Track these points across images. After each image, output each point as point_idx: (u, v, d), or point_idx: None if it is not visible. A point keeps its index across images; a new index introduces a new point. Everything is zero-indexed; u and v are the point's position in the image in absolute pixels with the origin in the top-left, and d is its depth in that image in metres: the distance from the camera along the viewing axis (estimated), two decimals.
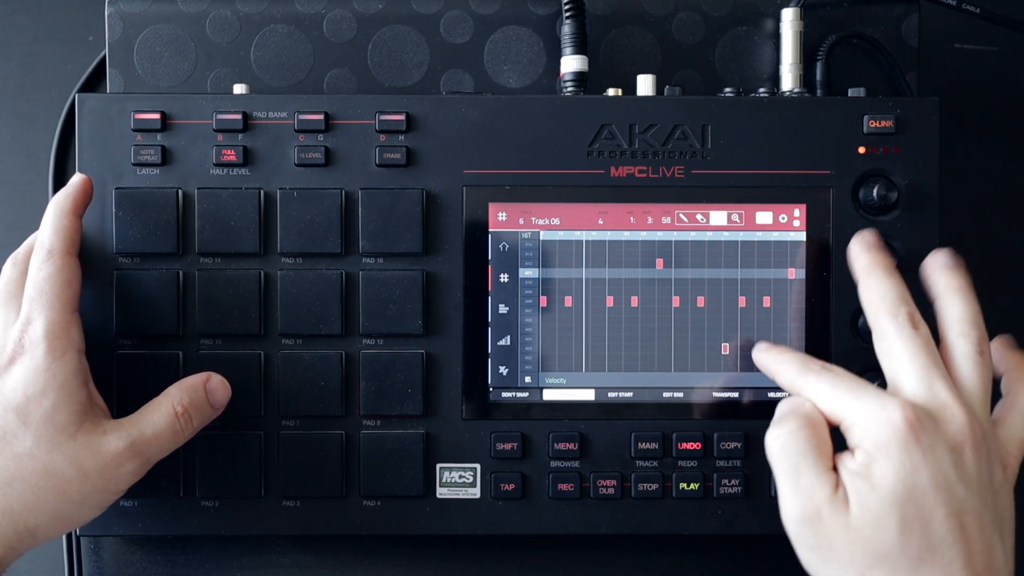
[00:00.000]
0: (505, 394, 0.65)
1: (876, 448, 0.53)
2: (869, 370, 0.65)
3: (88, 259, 0.63)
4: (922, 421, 0.53)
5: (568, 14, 0.67)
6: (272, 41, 0.70)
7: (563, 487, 0.65)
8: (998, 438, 0.56)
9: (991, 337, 0.60)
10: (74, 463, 0.56)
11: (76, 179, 0.61)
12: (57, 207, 0.59)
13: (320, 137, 0.64)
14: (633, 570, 0.70)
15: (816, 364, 0.58)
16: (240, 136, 0.64)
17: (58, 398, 0.55)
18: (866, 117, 0.64)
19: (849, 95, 0.66)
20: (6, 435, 0.55)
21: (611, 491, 0.65)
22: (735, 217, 0.65)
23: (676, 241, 0.65)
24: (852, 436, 0.55)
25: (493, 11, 0.70)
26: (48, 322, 0.56)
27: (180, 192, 0.64)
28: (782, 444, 0.55)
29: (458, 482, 0.65)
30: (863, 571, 0.53)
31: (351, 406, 0.64)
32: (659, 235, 0.65)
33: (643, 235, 0.65)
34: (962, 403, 0.54)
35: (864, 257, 0.59)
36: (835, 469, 0.55)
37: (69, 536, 0.68)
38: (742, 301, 0.65)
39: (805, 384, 0.57)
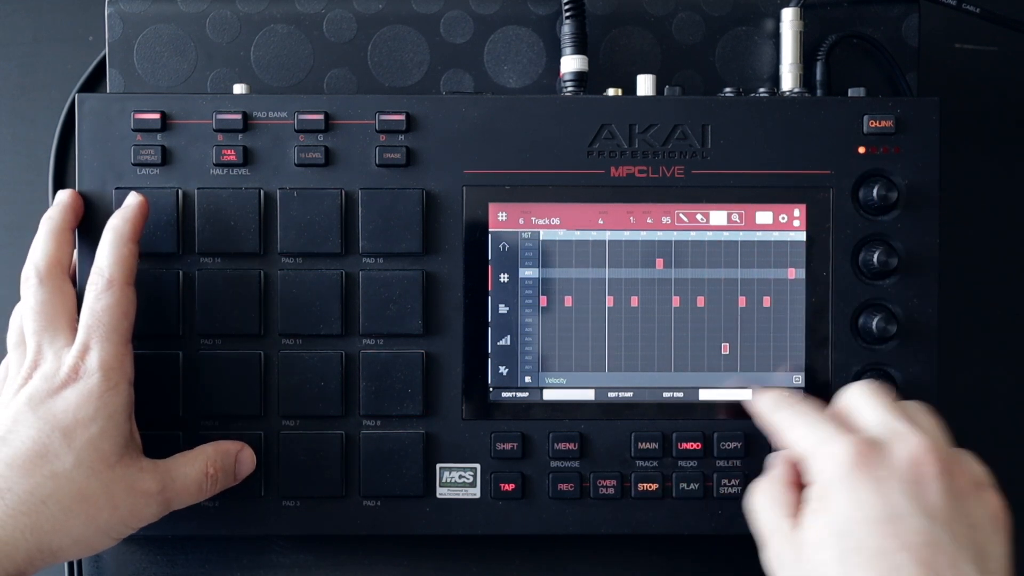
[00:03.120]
0: (505, 394, 0.65)
1: (828, 482, 0.53)
2: (869, 370, 0.65)
3: (88, 259, 0.63)
4: (873, 453, 0.53)
5: (568, 14, 0.68)
6: (272, 41, 0.70)
7: (563, 487, 0.65)
8: (972, 471, 0.54)
9: None
10: (107, 492, 0.56)
11: (134, 201, 0.61)
12: (116, 233, 0.59)
13: (320, 137, 0.64)
14: (633, 570, 0.70)
15: (787, 401, 0.59)
16: (240, 136, 0.64)
17: (106, 426, 0.56)
18: (866, 117, 0.64)
19: (849, 95, 0.66)
20: (48, 454, 0.55)
21: (611, 491, 0.65)
22: (735, 217, 0.65)
23: (676, 241, 0.65)
24: (811, 471, 0.55)
25: (493, 11, 0.70)
26: (106, 353, 0.57)
27: (180, 192, 0.64)
28: (754, 498, 0.58)
29: (458, 482, 0.65)
30: None
31: (351, 406, 0.64)
32: (659, 235, 0.65)
33: (643, 235, 0.65)
34: (920, 432, 0.54)
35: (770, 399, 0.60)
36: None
37: None
38: (742, 301, 0.65)
39: (775, 421, 0.59)
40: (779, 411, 0.59)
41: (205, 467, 0.60)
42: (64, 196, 0.62)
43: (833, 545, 0.52)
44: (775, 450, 0.61)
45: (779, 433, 0.59)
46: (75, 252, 0.63)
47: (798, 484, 0.57)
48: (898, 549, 0.50)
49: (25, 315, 0.59)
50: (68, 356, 0.57)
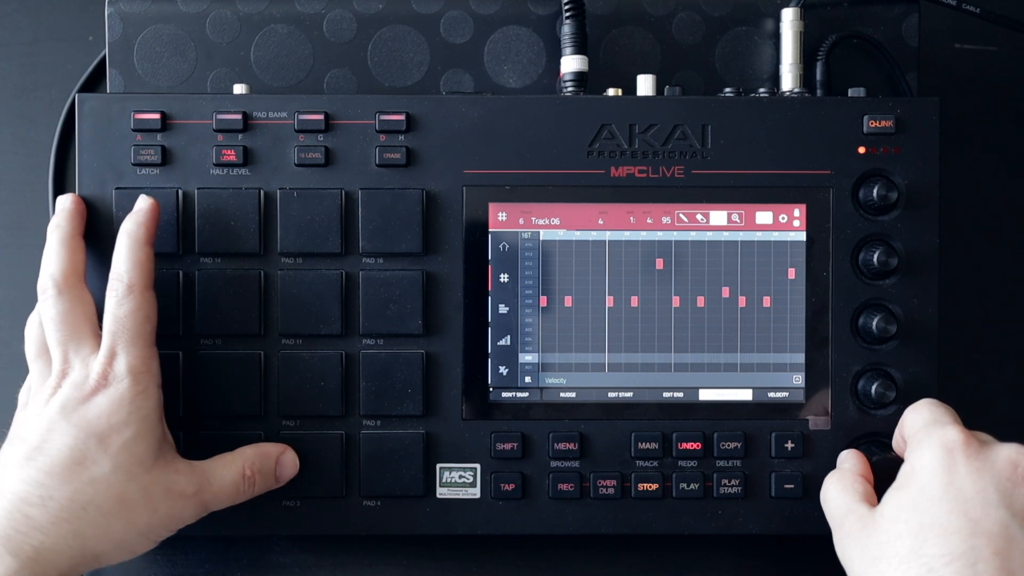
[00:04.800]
0: (505, 394, 0.65)
1: (926, 460, 0.56)
2: (869, 370, 0.65)
3: (88, 259, 0.63)
4: (979, 445, 0.55)
5: (568, 14, 0.67)
6: (272, 41, 0.70)
7: (563, 487, 0.65)
8: None
9: None
10: (146, 495, 0.57)
11: (145, 204, 0.61)
12: (131, 238, 0.60)
13: (320, 137, 0.64)
14: (633, 570, 0.70)
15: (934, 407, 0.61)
16: (240, 136, 0.64)
17: (140, 429, 0.57)
18: (866, 117, 0.64)
19: (849, 95, 0.66)
20: (85, 460, 0.56)
21: (611, 491, 0.65)
22: (735, 217, 0.65)
23: (676, 241, 0.65)
24: (911, 451, 0.57)
25: (493, 11, 0.70)
26: (132, 357, 0.57)
27: (180, 192, 0.64)
28: (829, 485, 0.61)
29: (458, 482, 0.65)
30: (871, 564, 0.55)
31: (351, 406, 0.64)
32: (659, 235, 0.65)
33: (643, 235, 0.65)
34: (1013, 445, 0.56)
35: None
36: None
37: None
38: (742, 301, 0.65)
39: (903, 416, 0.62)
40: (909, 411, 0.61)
41: (242, 469, 0.60)
42: (67, 202, 0.62)
43: (910, 519, 0.54)
44: (839, 448, 0.64)
45: (905, 413, 0.61)
46: None
47: (870, 478, 0.60)
48: (975, 534, 0.52)
49: (47, 326, 0.59)
50: (96, 363, 0.57)
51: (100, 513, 0.55)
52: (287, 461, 0.63)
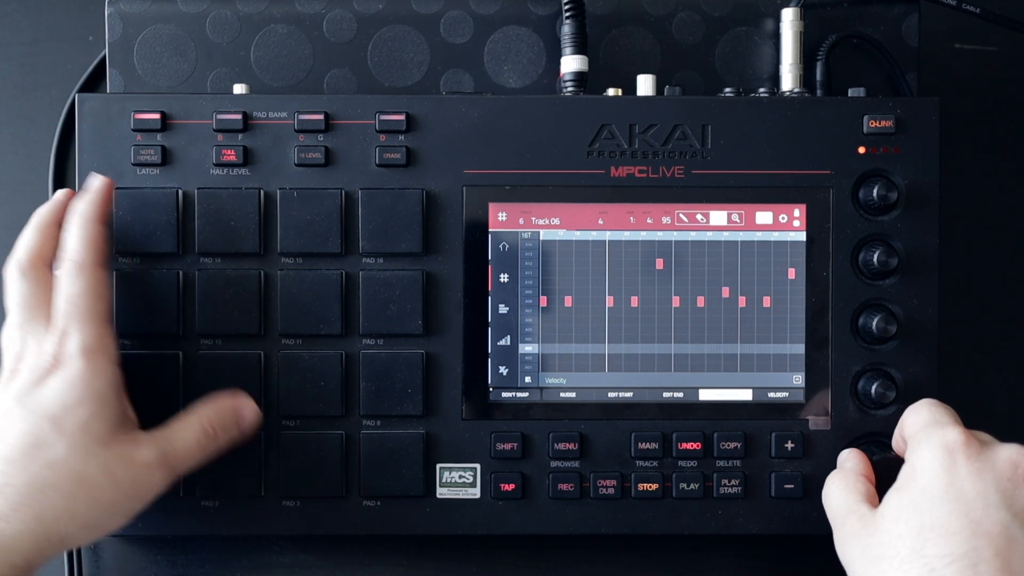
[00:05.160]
0: (505, 394, 0.65)
1: (927, 460, 0.55)
2: (869, 370, 0.65)
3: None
4: (980, 445, 0.55)
5: (568, 14, 0.67)
6: (272, 41, 0.70)
7: (563, 487, 0.65)
8: None
9: None
10: (107, 471, 0.56)
11: (97, 183, 0.61)
12: (82, 216, 0.59)
13: (320, 137, 0.64)
14: (633, 570, 0.70)
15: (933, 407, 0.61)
16: (240, 136, 0.64)
17: (95, 408, 0.56)
18: (866, 117, 0.64)
19: (849, 95, 0.66)
20: (40, 443, 0.55)
21: (611, 491, 0.65)
22: (735, 217, 0.65)
23: (676, 241, 0.65)
24: (911, 451, 0.57)
25: (493, 11, 0.70)
26: (84, 336, 0.57)
27: (180, 192, 0.64)
28: (831, 484, 0.61)
29: (458, 482, 0.65)
30: (872, 564, 0.55)
31: (351, 406, 0.64)
32: (659, 235, 0.65)
33: (643, 235, 0.65)
34: (1014, 445, 0.56)
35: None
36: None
37: None
38: (742, 301, 0.65)
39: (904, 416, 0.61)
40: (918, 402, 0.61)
41: (202, 426, 0.60)
42: (59, 194, 0.62)
43: (911, 519, 0.54)
44: (839, 449, 0.64)
45: (905, 413, 0.61)
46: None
47: (871, 478, 0.60)
48: (976, 534, 0.52)
49: (9, 309, 0.59)
50: (47, 344, 0.57)
51: (60, 495, 0.55)
52: (245, 409, 0.62)
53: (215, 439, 0.61)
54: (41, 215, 0.61)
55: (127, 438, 0.58)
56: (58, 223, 0.61)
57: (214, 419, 0.61)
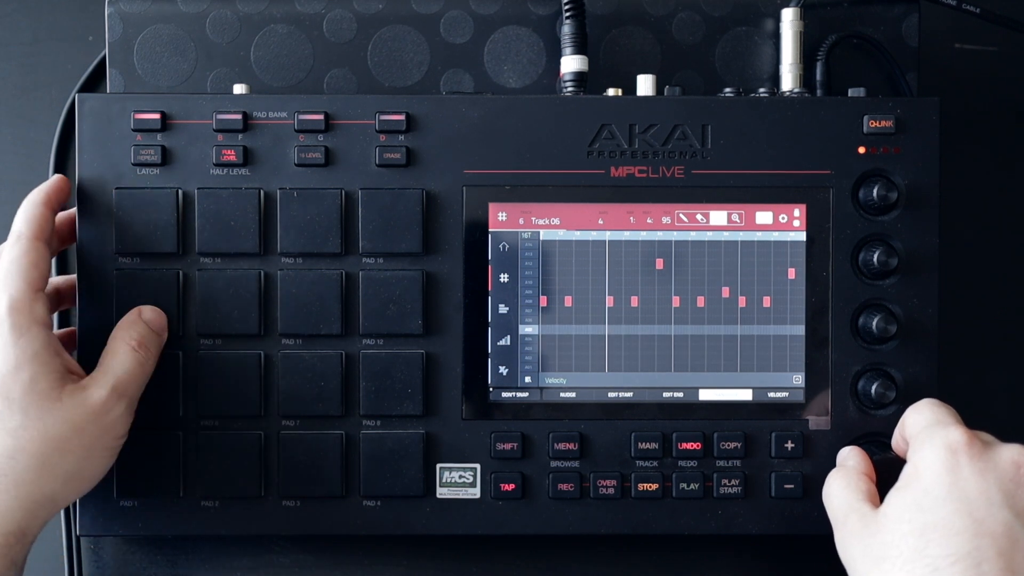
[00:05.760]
0: (505, 394, 0.65)
1: (929, 461, 0.55)
2: (869, 370, 0.65)
3: (88, 259, 0.63)
4: (982, 446, 0.55)
5: (568, 14, 0.67)
6: (272, 41, 0.70)
7: (563, 487, 0.65)
8: None
9: None
10: (67, 422, 0.57)
11: (53, 178, 0.63)
12: (29, 199, 0.61)
13: (320, 137, 0.64)
14: (633, 570, 0.70)
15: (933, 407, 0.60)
16: (240, 136, 0.64)
17: (34, 369, 0.57)
18: (866, 117, 0.64)
19: (849, 95, 0.66)
20: None
21: (611, 491, 0.65)
22: (735, 217, 0.65)
23: (676, 241, 0.65)
24: (914, 451, 0.57)
25: (493, 11, 0.70)
26: (11, 299, 0.57)
27: (180, 192, 0.64)
28: (832, 483, 0.61)
29: (458, 482, 0.65)
30: (874, 564, 0.55)
31: (351, 406, 0.64)
32: (659, 235, 0.65)
33: (643, 235, 0.65)
34: (1016, 446, 0.56)
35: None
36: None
37: (69, 536, 0.68)
38: (742, 301, 0.65)
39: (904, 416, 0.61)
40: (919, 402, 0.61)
41: (128, 345, 0.60)
42: (54, 177, 0.63)
43: (913, 519, 0.54)
44: (839, 448, 0.64)
45: (906, 413, 0.61)
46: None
47: (873, 477, 0.60)
48: (979, 534, 0.52)
49: None
50: None
51: (30, 457, 0.56)
52: (150, 316, 0.62)
53: (146, 350, 0.61)
54: (29, 197, 0.62)
55: (75, 387, 0.58)
56: (49, 203, 0.62)
57: (133, 335, 0.61)
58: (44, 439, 0.56)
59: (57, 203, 0.62)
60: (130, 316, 0.62)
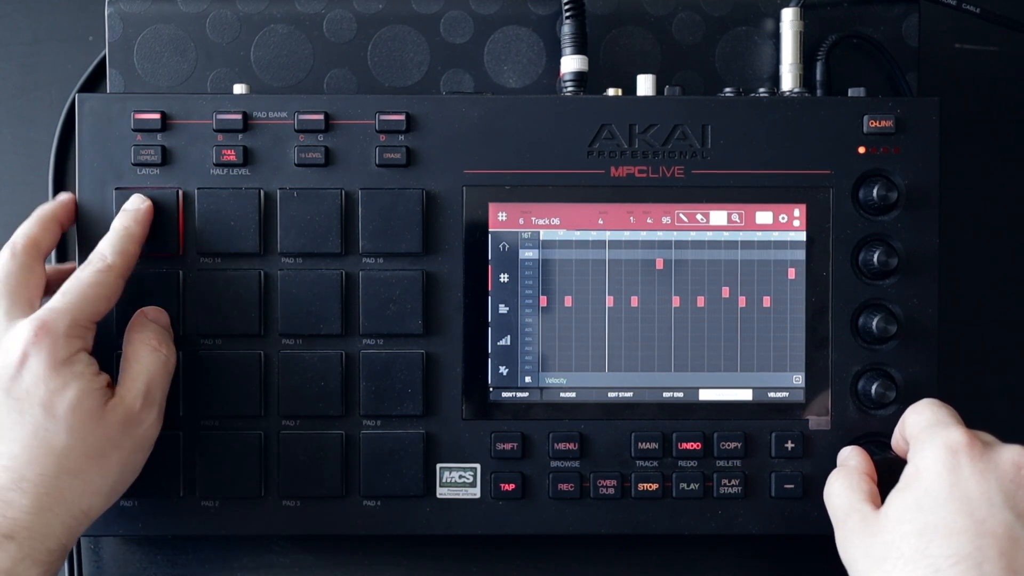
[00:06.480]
0: (505, 394, 0.65)
1: (930, 461, 0.56)
2: (869, 370, 0.65)
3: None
4: (983, 446, 0.55)
5: (568, 14, 0.67)
6: (272, 41, 0.70)
7: (563, 487, 0.65)
8: None
9: None
10: (108, 440, 0.57)
11: (143, 205, 0.63)
12: (127, 232, 0.61)
13: (320, 137, 0.64)
14: (633, 570, 0.70)
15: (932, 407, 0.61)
16: (240, 136, 0.64)
17: (80, 387, 0.57)
18: (866, 117, 0.64)
19: (849, 95, 0.66)
20: (38, 432, 0.56)
21: (611, 491, 0.65)
22: (735, 217, 0.65)
23: (676, 241, 0.65)
24: (914, 452, 0.57)
25: (493, 11, 0.70)
26: (69, 321, 0.57)
27: (180, 192, 0.64)
28: (833, 483, 0.61)
29: (458, 482, 0.65)
30: (876, 564, 0.55)
31: (351, 406, 0.64)
32: (659, 235, 0.65)
33: (643, 235, 0.65)
34: (1016, 446, 0.56)
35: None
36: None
37: None
38: (742, 301, 0.65)
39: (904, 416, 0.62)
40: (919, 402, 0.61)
41: (149, 347, 0.60)
42: (63, 195, 0.64)
43: (915, 519, 0.54)
44: (839, 449, 0.64)
45: (906, 413, 0.61)
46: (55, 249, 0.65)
47: (874, 477, 0.60)
48: (980, 534, 0.52)
49: None
50: (25, 328, 0.57)
51: (73, 476, 0.56)
52: (150, 312, 0.62)
53: (166, 348, 0.61)
54: (44, 208, 0.63)
55: (116, 402, 0.58)
56: (59, 220, 0.63)
57: (149, 336, 0.61)
58: (86, 457, 0.57)
59: (146, 238, 0.62)
60: (138, 319, 0.62)
